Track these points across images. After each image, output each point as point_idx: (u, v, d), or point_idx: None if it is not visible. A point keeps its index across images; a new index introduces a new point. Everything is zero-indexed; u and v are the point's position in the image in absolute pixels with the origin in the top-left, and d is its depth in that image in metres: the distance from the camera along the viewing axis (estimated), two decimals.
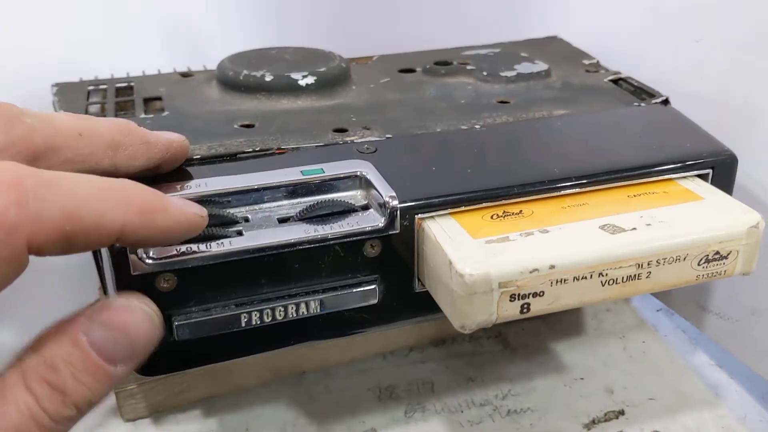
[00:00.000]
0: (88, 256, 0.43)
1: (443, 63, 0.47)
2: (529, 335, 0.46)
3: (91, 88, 0.44)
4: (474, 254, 0.28)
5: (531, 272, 0.27)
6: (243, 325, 0.29)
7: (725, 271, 0.30)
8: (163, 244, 0.26)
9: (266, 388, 0.42)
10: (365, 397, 0.41)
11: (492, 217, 0.31)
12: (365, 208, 0.31)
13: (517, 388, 0.42)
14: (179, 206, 0.25)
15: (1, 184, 0.20)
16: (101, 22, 0.51)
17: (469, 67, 0.46)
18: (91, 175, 0.23)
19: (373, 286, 0.31)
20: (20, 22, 0.48)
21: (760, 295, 0.40)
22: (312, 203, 0.30)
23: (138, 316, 0.24)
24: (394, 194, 0.30)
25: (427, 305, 0.32)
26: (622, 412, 0.40)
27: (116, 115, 0.40)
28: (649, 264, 0.29)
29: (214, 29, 0.57)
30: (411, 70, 0.47)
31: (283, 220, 0.30)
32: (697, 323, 0.45)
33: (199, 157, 0.33)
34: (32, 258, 0.21)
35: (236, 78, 0.42)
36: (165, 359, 0.29)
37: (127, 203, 0.22)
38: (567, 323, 0.47)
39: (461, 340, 0.46)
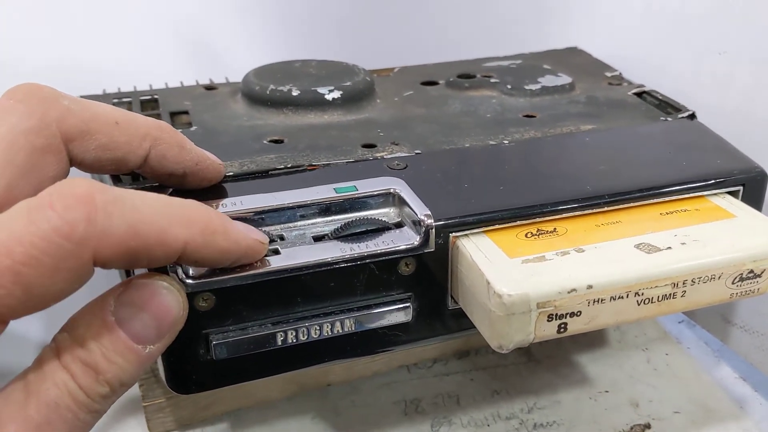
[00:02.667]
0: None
1: (466, 76, 0.47)
2: (553, 347, 0.46)
3: (115, 100, 0.44)
4: (512, 274, 0.28)
5: (569, 292, 0.27)
6: (279, 343, 0.29)
7: (758, 289, 0.31)
8: (221, 266, 0.27)
9: (292, 402, 0.42)
10: (391, 411, 0.42)
11: (526, 236, 0.31)
12: (399, 225, 0.31)
13: (542, 401, 0.42)
14: (241, 230, 0.25)
15: (73, 199, 0.20)
16: (119, 33, 0.51)
17: (492, 80, 0.46)
18: (157, 194, 0.23)
19: (407, 304, 0.31)
20: (31, 35, 0.48)
21: None
22: (346, 221, 0.30)
23: (162, 296, 0.24)
24: (429, 212, 0.30)
25: (459, 323, 0.32)
26: (648, 426, 0.40)
27: None
28: (684, 283, 0.29)
29: (228, 40, 0.57)
30: (434, 83, 0.47)
31: (317, 238, 0.30)
32: (721, 336, 0.45)
33: (231, 174, 0.34)
34: None
35: (263, 93, 0.42)
36: (201, 377, 0.30)
37: (190, 222, 0.23)
38: (590, 335, 0.47)
39: (485, 351, 0.46)
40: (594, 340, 0.47)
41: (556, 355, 0.46)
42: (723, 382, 0.44)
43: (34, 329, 0.46)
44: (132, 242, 0.22)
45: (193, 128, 0.39)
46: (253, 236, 0.27)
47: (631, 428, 0.40)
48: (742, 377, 0.44)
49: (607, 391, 0.43)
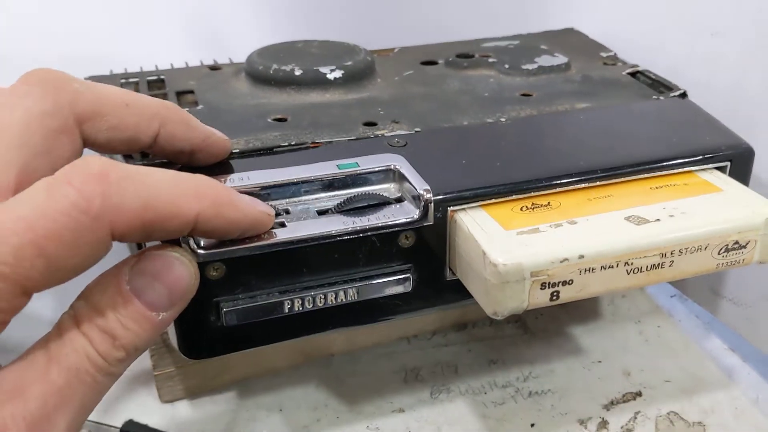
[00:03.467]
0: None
1: (465, 56, 0.48)
2: (548, 320, 0.48)
3: (123, 81, 0.46)
4: (506, 245, 0.29)
5: (561, 262, 0.29)
6: (286, 311, 0.31)
7: (743, 259, 0.32)
8: (231, 236, 0.28)
9: (296, 371, 0.44)
10: (392, 379, 0.43)
11: (522, 209, 0.32)
12: (399, 200, 0.32)
13: (537, 370, 0.44)
14: (248, 202, 0.27)
15: (88, 176, 0.22)
16: (123, 15, 0.52)
17: (490, 60, 0.47)
18: (168, 170, 0.25)
19: (407, 275, 0.32)
20: (39, 19, 0.49)
21: None
22: (349, 196, 0.32)
23: (175, 266, 0.26)
24: (428, 187, 0.31)
25: (457, 293, 0.34)
26: (639, 394, 0.42)
27: None
28: (672, 253, 0.30)
29: (230, 22, 0.58)
30: (433, 63, 0.48)
31: (321, 212, 0.32)
32: (711, 308, 0.47)
33: (238, 151, 0.35)
34: None
35: (266, 72, 0.43)
36: (212, 343, 0.31)
37: (201, 195, 0.24)
38: (584, 309, 0.49)
39: (482, 324, 0.48)
40: (588, 312, 0.49)
41: (551, 328, 0.47)
42: (713, 353, 0.45)
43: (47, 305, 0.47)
44: (146, 215, 0.23)
45: (199, 107, 0.41)
46: (260, 208, 0.28)
47: (623, 396, 0.42)
48: (731, 348, 0.45)
49: (599, 361, 0.45)
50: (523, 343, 0.46)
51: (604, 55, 0.49)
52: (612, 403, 0.41)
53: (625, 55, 0.49)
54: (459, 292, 0.33)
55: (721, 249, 0.31)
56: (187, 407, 0.42)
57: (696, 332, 0.47)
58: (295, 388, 0.43)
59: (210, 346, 0.31)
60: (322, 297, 0.31)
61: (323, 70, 0.43)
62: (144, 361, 0.45)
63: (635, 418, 0.40)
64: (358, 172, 0.33)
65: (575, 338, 0.46)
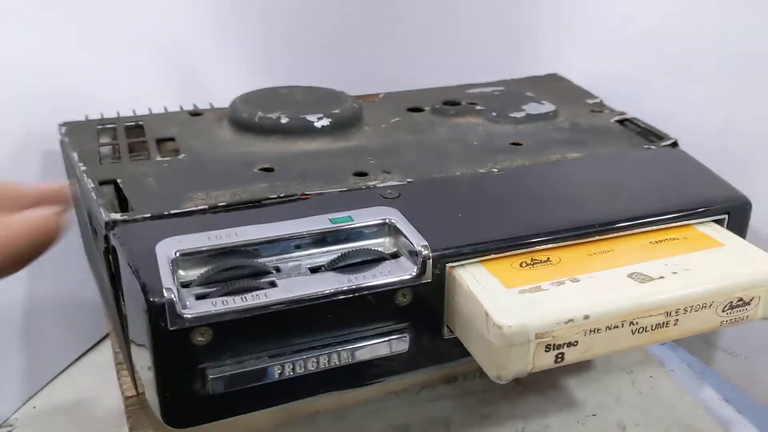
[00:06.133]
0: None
1: (452, 103, 0.47)
2: (539, 372, 0.47)
3: (99, 126, 0.44)
4: (510, 305, 0.28)
5: (566, 323, 0.28)
6: (276, 376, 0.29)
7: (747, 316, 0.31)
8: (28, 254, 0.26)
9: (280, 430, 0.42)
10: None
11: (521, 265, 0.31)
12: (395, 256, 0.31)
13: (531, 425, 0.42)
14: (19, 220, 0.26)
15: None
16: (98, 59, 0.51)
17: (477, 108, 0.46)
18: None
19: (404, 335, 0.31)
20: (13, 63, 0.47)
21: None
22: (343, 252, 0.30)
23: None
24: (426, 243, 0.30)
25: (455, 352, 0.32)
26: None
27: (130, 158, 0.39)
28: (677, 312, 0.30)
29: (207, 66, 0.57)
30: (419, 110, 0.48)
31: (314, 269, 0.30)
32: (704, 358, 0.46)
33: (224, 204, 0.33)
34: None
35: (251, 120, 0.42)
36: (197, 411, 0.29)
37: None
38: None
39: (472, 376, 0.46)
40: (580, 363, 0.47)
41: (543, 379, 0.46)
42: (707, 403, 0.44)
43: None
44: None
45: (182, 156, 0.39)
46: (39, 215, 0.26)
47: None
48: (726, 399, 0.45)
49: (594, 415, 0.43)
50: (515, 396, 0.45)
51: (590, 102, 0.49)
52: None
53: (610, 100, 0.49)
54: (457, 350, 0.32)
55: (725, 306, 0.30)
56: None
57: (689, 382, 0.46)
58: None
59: (195, 415, 0.29)
60: (315, 361, 0.30)
61: (310, 118, 0.42)
62: (119, 420, 0.42)
63: None
64: (351, 226, 0.31)
65: (568, 390, 0.45)
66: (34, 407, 0.45)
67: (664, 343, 0.50)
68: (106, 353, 0.50)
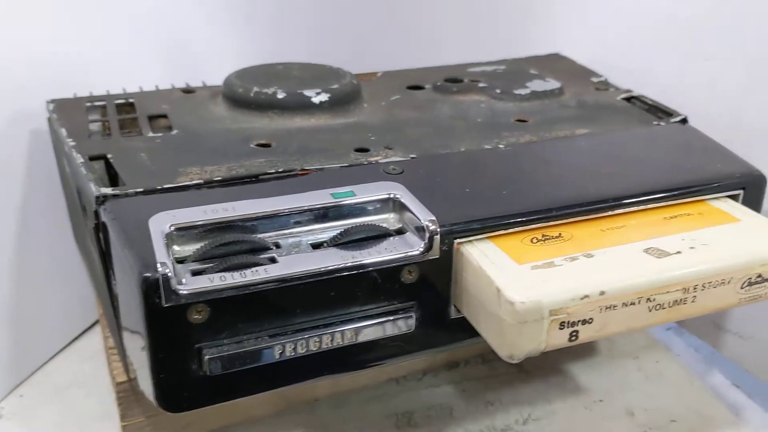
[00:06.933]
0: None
1: (453, 80, 0.46)
2: (543, 356, 0.45)
3: (88, 104, 0.42)
4: (522, 281, 0.27)
5: (582, 299, 0.26)
6: (276, 357, 0.28)
7: (765, 293, 0.30)
8: None
9: (278, 418, 0.41)
10: (383, 425, 0.40)
11: (532, 241, 0.30)
12: (400, 232, 0.30)
13: (537, 411, 0.41)
14: None
15: None
16: (86, 37, 0.49)
17: (480, 85, 0.45)
18: None
19: (410, 314, 0.29)
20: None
21: None
22: (345, 227, 0.29)
23: None
24: (433, 218, 0.29)
25: (461, 332, 0.31)
26: None
27: (121, 134, 0.38)
28: (695, 288, 0.28)
29: (198, 43, 0.56)
30: (420, 87, 0.46)
31: (315, 246, 0.29)
32: (713, 342, 0.45)
33: (220, 179, 0.32)
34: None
35: (246, 95, 0.40)
36: (193, 394, 0.28)
37: None
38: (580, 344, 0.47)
39: (474, 362, 0.45)
40: (584, 348, 0.46)
41: (547, 365, 0.45)
42: (716, 388, 0.43)
43: None
44: None
45: (174, 132, 0.38)
46: None
47: None
48: (735, 384, 0.43)
49: (601, 400, 0.42)
50: (519, 382, 0.44)
51: (594, 80, 0.48)
52: None
53: (614, 81, 0.48)
54: (464, 331, 0.30)
55: (744, 283, 0.29)
56: None
57: (697, 367, 0.45)
58: None
59: (191, 398, 0.28)
60: (317, 340, 0.28)
61: (308, 93, 0.40)
62: (110, 409, 0.41)
63: None
64: (354, 201, 0.30)
65: (573, 376, 0.44)
66: (21, 396, 0.44)
67: (669, 329, 0.49)
68: (95, 340, 0.48)
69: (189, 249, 0.27)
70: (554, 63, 0.52)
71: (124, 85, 0.46)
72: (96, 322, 0.50)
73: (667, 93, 0.44)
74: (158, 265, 0.25)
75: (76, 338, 0.49)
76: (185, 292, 0.25)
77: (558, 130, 0.39)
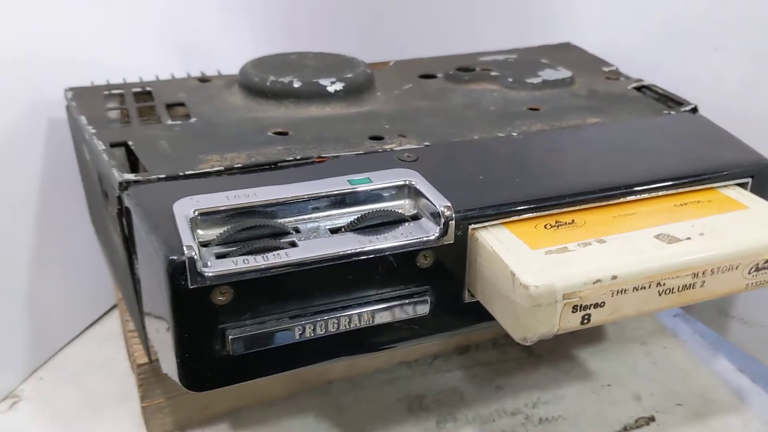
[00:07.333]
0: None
1: (465, 69, 0.47)
2: (552, 342, 0.46)
3: (105, 93, 0.43)
4: (536, 265, 0.28)
5: (594, 283, 0.27)
6: (297, 337, 0.29)
7: None
8: None
9: (292, 400, 0.41)
10: (395, 408, 0.41)
11: (546, 227, 0.30)
12: (415, 218, 0.30)
13: (546, 395, 0.42)
14: None
15: None
16: (101, 27, 0.50)
17: (492, 74, 0.46)
18: None
19: (425, 298, 0.30)
20: (21, 30, 0.46)
21: None
22: (362, 213, 0.30)
23: None
24: (449, 204, 0.29)
25: (475, 316, 0.32)
26: (652, 419, 0.40)
27: (140, 122, 0.39)
28: (704, 273, 0.29)
29: (211, 34, 0.56)
30: (432, 76, 0.47)
31: (333, 230, 0.30)
32: (718, 328, 0.46)
33: (240, 165, 0.33)
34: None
35: (262, 84, 0.41)
36: (216, 373, 0.29)
37: None
38: (588, 329, 0.47)
39: (485, 347, 0.46)
40: (592, 333, 0.47)
41: (557, 350, 0.46)
42: (722, 374, 0.44)
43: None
44: None
45: (192, 120, 0.38)
46: None
47: (636, 421, 0.40)
48: (740, 369, 0.44)
49: (609, 385, 0.43)
50: (529, 367, 0.44)
51: (605, 69, 0.48)
52: (625, 429, 0.40)
53: (623, 69, 0.48)
54: (477, 315, 0.31)
55: (751, 268, 0.30)
56: None
57: (703, 353, 0.46)
58: (291, 420, 0.40)
59: (214, 377, 0.29)
60: (335, 322, 0.29)
61: (323, 82, 0.41)
62: (130, 391, 0.42)
63: None
64: (371, 188, 0.31)
65: (582, 361, 0.45)
66: (41, 378, 0.45)
67: (676, 315, 0.49)
68: (113, 324, 0.49)
69: (212, 233, 0.28)
70: (565, 52, 0.52)
71: (139, 73, 0.47)
72: (114, 307, 0.51)
73: (676, 84, 0.45)
74: (184, 248, 0.26)
75: (94, 322, 0.50)
76: (210, 274, 0.26)
77: (569, 119, 0.39)
